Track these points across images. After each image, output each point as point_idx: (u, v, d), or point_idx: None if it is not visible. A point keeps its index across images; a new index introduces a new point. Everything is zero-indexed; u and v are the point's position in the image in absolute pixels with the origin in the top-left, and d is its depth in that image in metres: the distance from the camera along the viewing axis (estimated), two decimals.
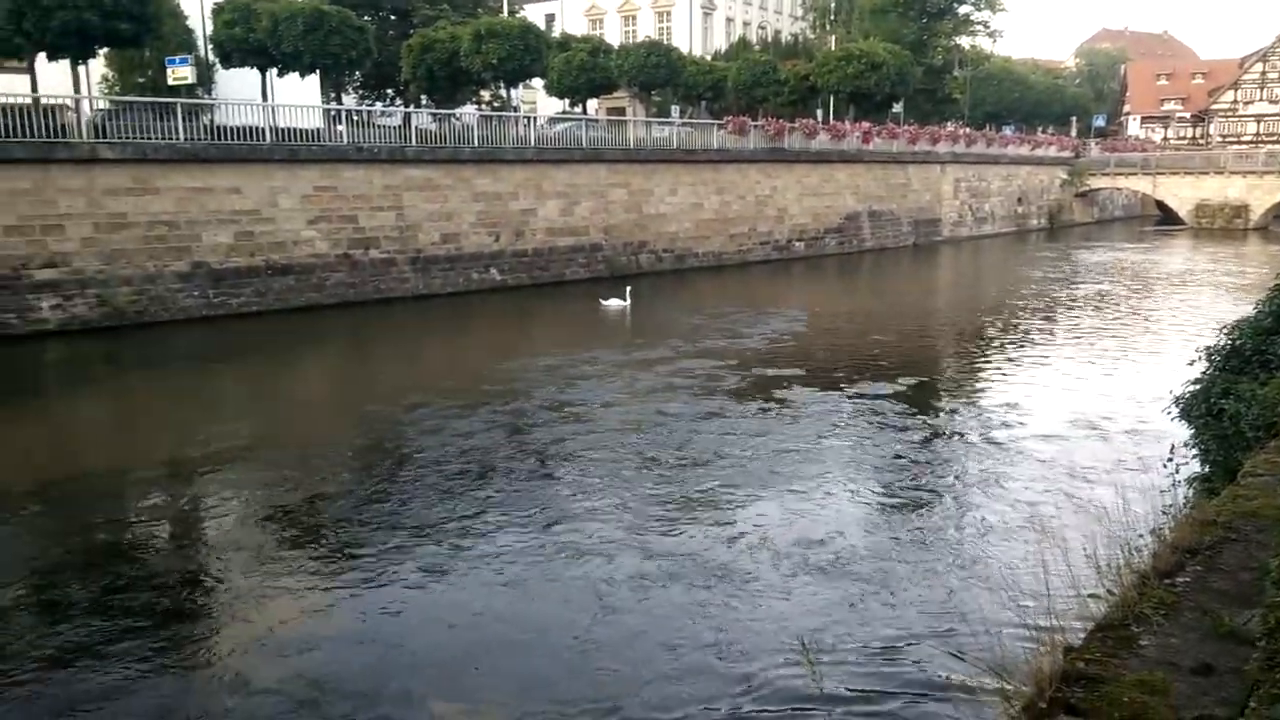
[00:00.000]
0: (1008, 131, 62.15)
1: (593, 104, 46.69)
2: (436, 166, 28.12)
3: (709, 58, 52.48)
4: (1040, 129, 69.64)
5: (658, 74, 42.14)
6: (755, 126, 38.53)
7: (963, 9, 63.63)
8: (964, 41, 65.54)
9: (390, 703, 6.63)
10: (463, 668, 7.14)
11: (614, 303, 24.96)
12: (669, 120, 39.20)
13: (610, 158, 32.74)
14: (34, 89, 23.99)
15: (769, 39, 65.12)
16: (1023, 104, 68.52)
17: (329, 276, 25.90)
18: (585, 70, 40.66)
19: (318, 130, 27.26)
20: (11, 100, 21.93)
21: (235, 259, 24.27)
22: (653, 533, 9.69)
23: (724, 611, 7.90)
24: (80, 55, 24.51)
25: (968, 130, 54.01)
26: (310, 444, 13.41)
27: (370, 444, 13.09)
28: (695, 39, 60.37)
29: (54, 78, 25.41)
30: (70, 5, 22.28)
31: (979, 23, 65.41)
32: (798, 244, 39.86)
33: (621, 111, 48.37)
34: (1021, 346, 20.82)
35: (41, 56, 24.11)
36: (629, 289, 25.17)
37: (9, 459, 12.87)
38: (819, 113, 46.80)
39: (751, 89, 44.98)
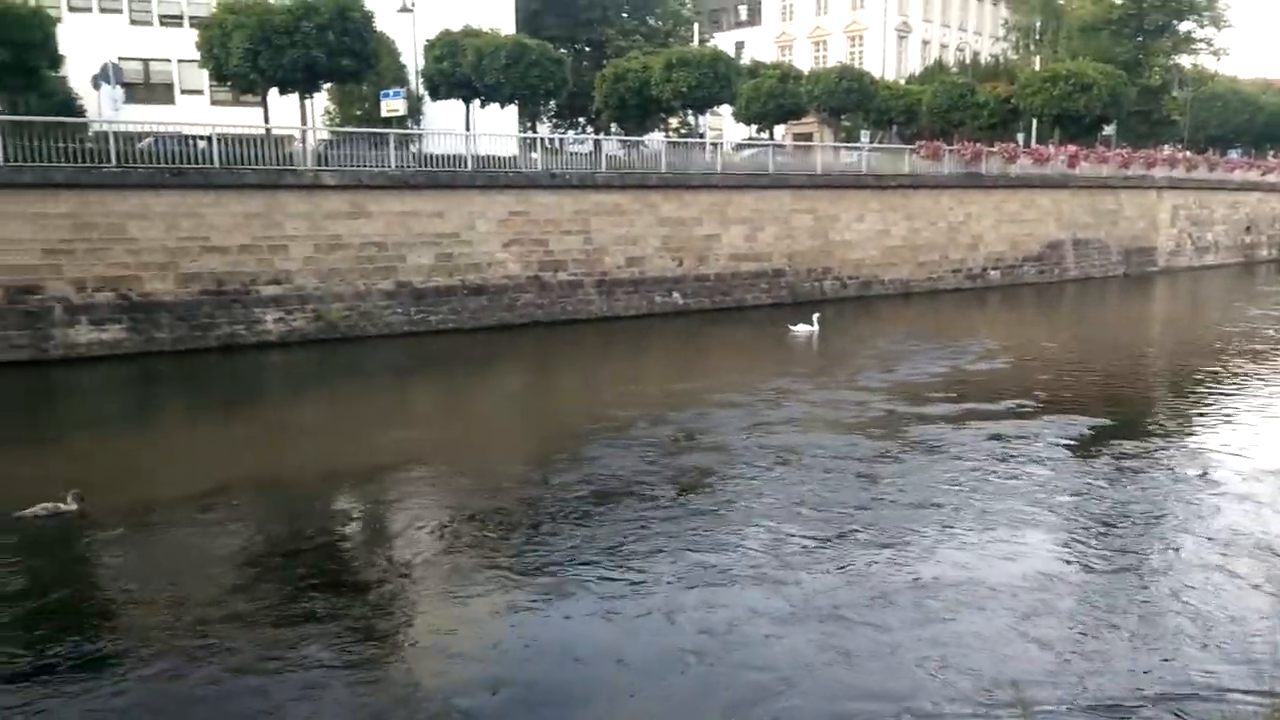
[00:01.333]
0: (1234, 155, 57.08)
1: (780, 130, 46.52)
2: (624, 192, 28.74)
3: (902, 81, 51.23)
4: (1272, 153, 63.57)
5: (848, 99, 41.55)
6: (950, 151, 37.16)
7: (1183, 26, 59.20)
8: (1184, 60, 60.93)
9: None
10: (627, 691, 7.09)
11: (802, 328, 24.66)
12: (858, 145, 38.44)
13: (796, 183, 32.42)
14: (266, 121, 26.38)
15: (966, 61, 62.91)
16: (1252, 126, 62.71)
17: (519, 297, 26.92)
18: (774, 96, 40.63)
19: (513, 158, 28.50)
20: (247, 132, 24.20)
21: (435, 279, 25.63)
22: (839, 567, 9.36)
23: (925, 654, 7.49)
24: (307, 90, 26.72)
25: (1188, 154, 49.98)
26: (496, 455, 13.87)
27: (551, 458, 13.38)
28: (889, 63, 59.13)
29: (283, 111, 27.84)
30: (300, 44, 24.41)
31: (1201, 40, 60.68)
32: (993, 272, 38.02)
33: (809, 137, 47.94)
34: (1243, 391, 18.87)
35: (274, 91, 26.45)
36: (817, 315, 24.79)
37: (230, 456, 14.02)
38: (1020, 136, 44.62)
39: (947, 113, 43.49)
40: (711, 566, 9.29)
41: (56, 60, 24.52)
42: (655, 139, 36.19)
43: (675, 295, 29.64)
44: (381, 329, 24.70)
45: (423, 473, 12.94)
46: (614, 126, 40.43)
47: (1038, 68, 47.32)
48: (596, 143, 32.30)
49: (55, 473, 12.77)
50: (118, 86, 27.00)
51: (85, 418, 17.08)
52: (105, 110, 26.69)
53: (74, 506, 10.50)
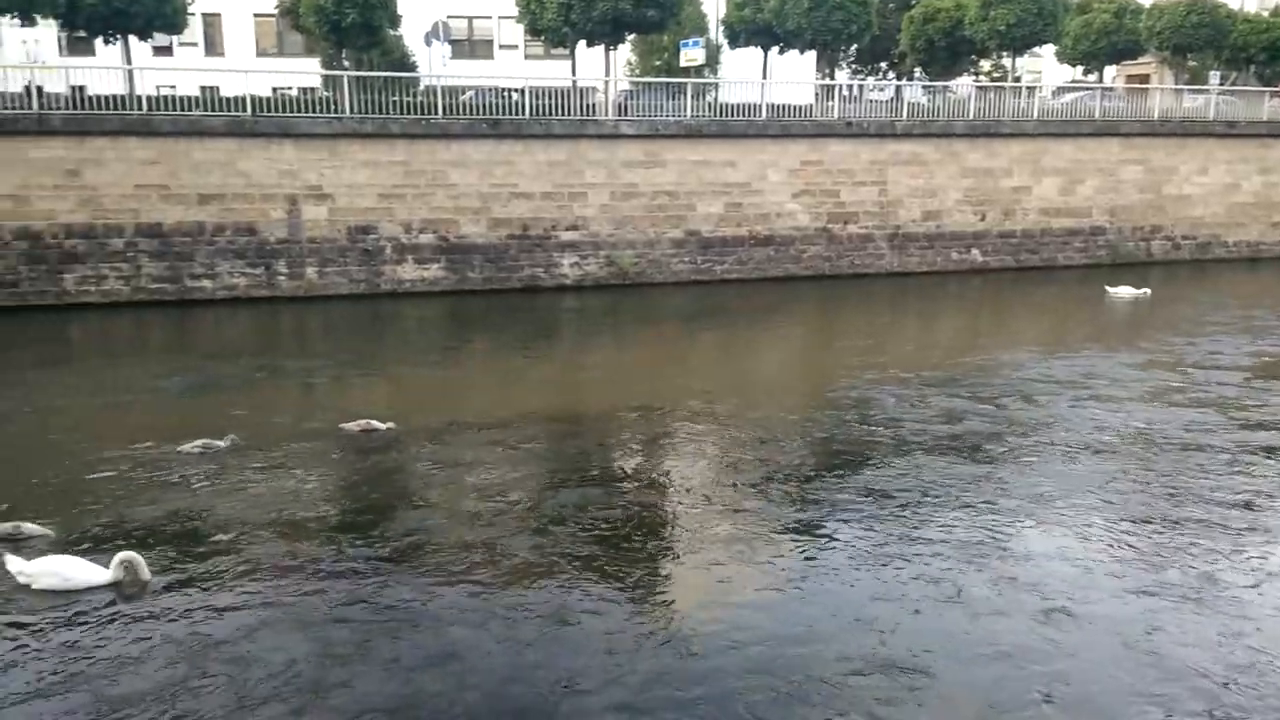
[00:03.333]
0: None
1: (1110, 71, 41.82)
2: (925, 140, 27.16)
3: (1265, 13, 44.12)
4: None
5: (1197, 34, 36.35)
6: None
7: None
8: None
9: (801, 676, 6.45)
10: (899, 667, 6.71)
11: (1124, 290, 22.22)
12: (1205, 88, 33.69)
13: (1126, 131, 29.01)
14: (573, 73, 27.53)
15: None
16: None
17: (806, 249, 26.40)
18: (1106, 33, 36.43)
19: (809, 106, 27.79)
20: (555, 84, 25.40)
21: (724, 228, 25.73)
22: (1132, 557, 8.34)
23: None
24: (612, 41, 27.50)
25: None
26: (773, 405, 13.70)
27: (828, 412, 13.01)
28: None
29: (589, 63, 28.90)
30: None
31: None
32: None
33: (1144, 79, 42.71)
34: None
35: (581, 44, 27.48)
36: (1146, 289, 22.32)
37: (525, 388, 14.97)
38: None
39: None
40: (999, 535, 8.60)
41: (396, 19, 26.95)
42: (963, 83, 33.86)
43: (975, 252, 27.76)
44: (668, 276, 25.24)
45: (704, 417, 13.07)
46: (918, 72, 38.27)
47: None
48: (898, 89, 30.72)
49: (378, 394, 14.26)
50: (446, 43, 29.26)
51: (406, 346, 18.96)
52: (434, 65, 29.05)
53: (388, 425, 11.64)
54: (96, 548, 8.21)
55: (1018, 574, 8.01)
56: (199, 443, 10.89)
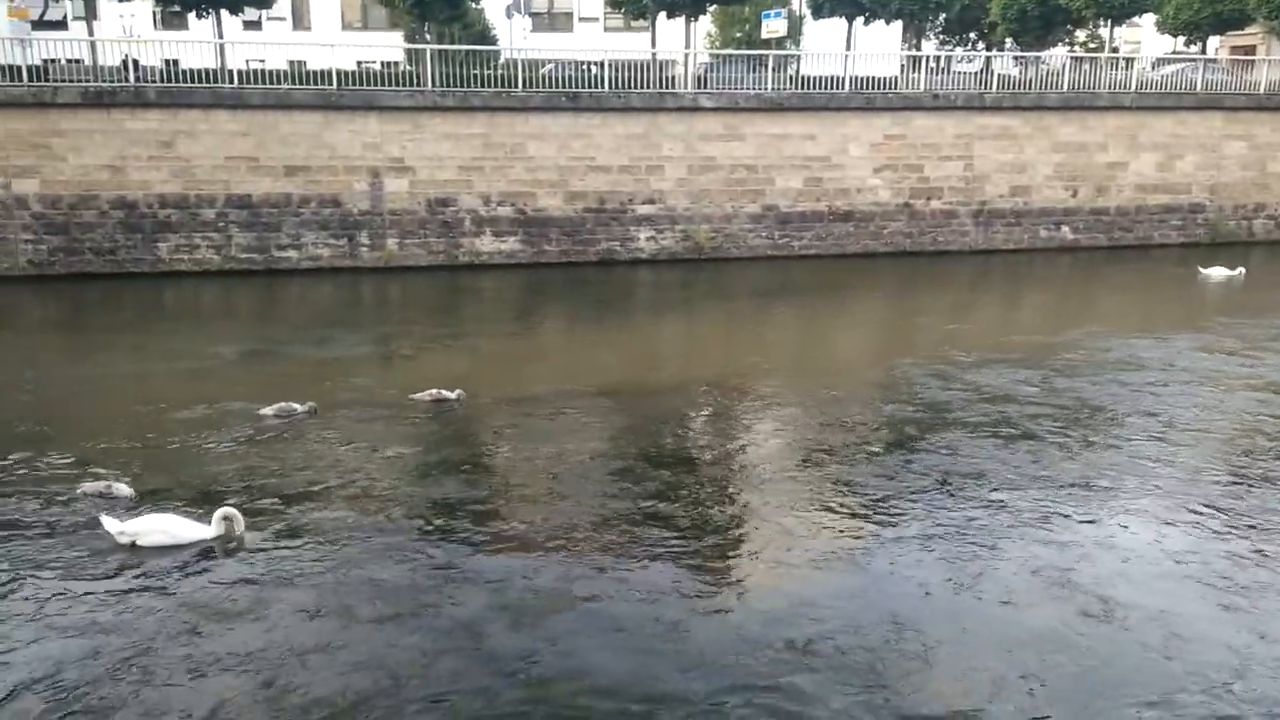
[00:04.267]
0: None
1: (1212, 43, 39.79)
2: (1015, 114, 26.25)
3: None
4: None
5: None
6: None
7: None
8: None
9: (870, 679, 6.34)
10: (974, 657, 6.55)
11: (1217, 271, 21.27)
12: None
13: (1230, 105, 27.60)
14: (653, 45, 27.33)
15: None
16: None
17: (887, 225, 25.84)
18: (1210, 2, 34.67)
19: (893, 78, 27.09)
20: (634, 57, 25.24)
21: (802, 203, 25.34)
22: (1227, 550, 7.99)
23: None
24: (693, 13, 27.24)
25: None
26: (846, 382, 13.48)
27: (901, 390, 12.74)
28: None
29: (668, 35, 28.66)
30: None
31: None
32: None
33: (1249, 51, 40.51)
34: None
35: (661, 16, 27.27)
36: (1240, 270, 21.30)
37: (597, 360, 15.02)
38: None
39: None
40: (1074, 515, 8.34)
41: None
42: (1056, 54, 32.61)
43: (1064, 229, 26.82)
44: (745, 251, 25.00)
45: (776, 392, 12.94)
46: (1009, 42, 36.97)
47: None
48: (987, 60, 29.77)
49: (453, 363, 14.47)
50: (526, 16, 29.37)
51: (482, 318, 19.20)
52: (515, 39, 29.18)
53: (457, 394, 11.77)
54: (181, 508, 8.49)
55: (1095, 561, 7.76)
56: (278, 406, 11.18)
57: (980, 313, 20.05)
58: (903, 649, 6.44)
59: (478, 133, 23.53)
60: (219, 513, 7.88)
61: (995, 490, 9.22)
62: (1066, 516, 8.61)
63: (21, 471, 9.51)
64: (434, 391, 11.83)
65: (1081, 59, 29.46)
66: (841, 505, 8.98)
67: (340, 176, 23.03)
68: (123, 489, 8.75)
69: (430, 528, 8.35)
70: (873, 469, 9.91)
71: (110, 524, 7.84)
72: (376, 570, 7.49)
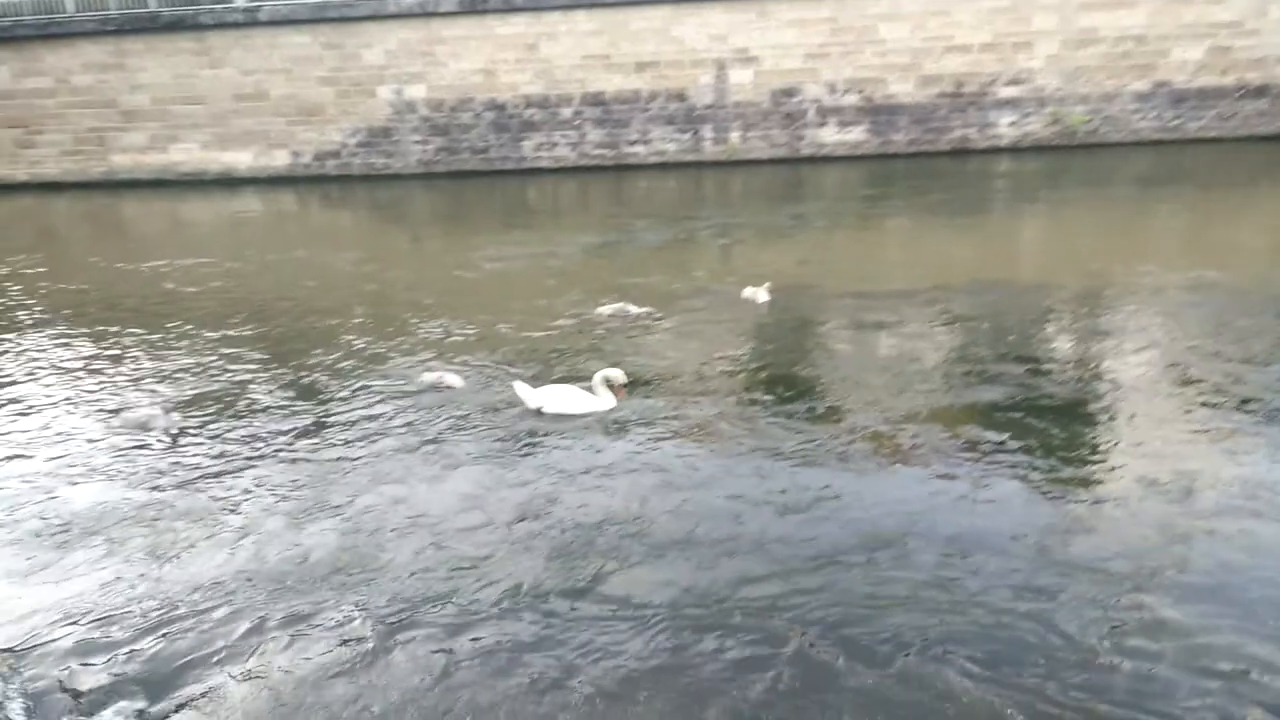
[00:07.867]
0: None
1: None
2: None
3: None
4: None
5: None
6: None
7: None
8: None
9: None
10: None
11: None
12: None
13: None
14: None
15: None
16: None
17: None
18: None
19: None
20: None
21: (1203, 77, 21.74)
22: None
23: None
24: None
25: None
26: (1238, 291, 11.44)
27: None
28: None
29: None
30: None
31: None
32: None
33: None
34: None
35: None
36: None
37: (946, 260, 14.00)
38: None
39: None
40: None
41: None
42: None
43: None
44: (1125, 135, 22.04)
45: (1150, 300, 11.30)
46: None
47: None
48: None
49: (788, 257, 14.23)
50: None
51: (822, 212, 18.63)
52: None
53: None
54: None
55: None
56: (615, 306, 11.39)
57: None
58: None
59: (825, 17, 22.54)
60: (598, 375, 8.31)
61: None
62: None
63: (429, 342, 10.71)
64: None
65: None
66: (1207, 428, 7.65)
67: (686, 70, 23.22)
68: (453, 379, 9.16)
69: (778, 412, 8.28)
70: (1259, 391, 8.34)
71: (523, 390, 8.50)
72: (720, 461, 7.56)
